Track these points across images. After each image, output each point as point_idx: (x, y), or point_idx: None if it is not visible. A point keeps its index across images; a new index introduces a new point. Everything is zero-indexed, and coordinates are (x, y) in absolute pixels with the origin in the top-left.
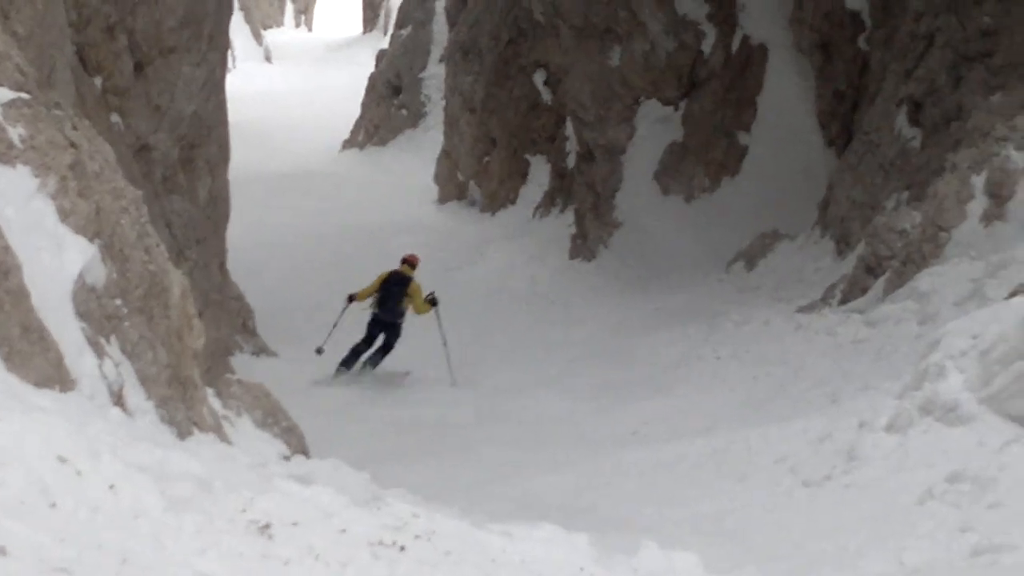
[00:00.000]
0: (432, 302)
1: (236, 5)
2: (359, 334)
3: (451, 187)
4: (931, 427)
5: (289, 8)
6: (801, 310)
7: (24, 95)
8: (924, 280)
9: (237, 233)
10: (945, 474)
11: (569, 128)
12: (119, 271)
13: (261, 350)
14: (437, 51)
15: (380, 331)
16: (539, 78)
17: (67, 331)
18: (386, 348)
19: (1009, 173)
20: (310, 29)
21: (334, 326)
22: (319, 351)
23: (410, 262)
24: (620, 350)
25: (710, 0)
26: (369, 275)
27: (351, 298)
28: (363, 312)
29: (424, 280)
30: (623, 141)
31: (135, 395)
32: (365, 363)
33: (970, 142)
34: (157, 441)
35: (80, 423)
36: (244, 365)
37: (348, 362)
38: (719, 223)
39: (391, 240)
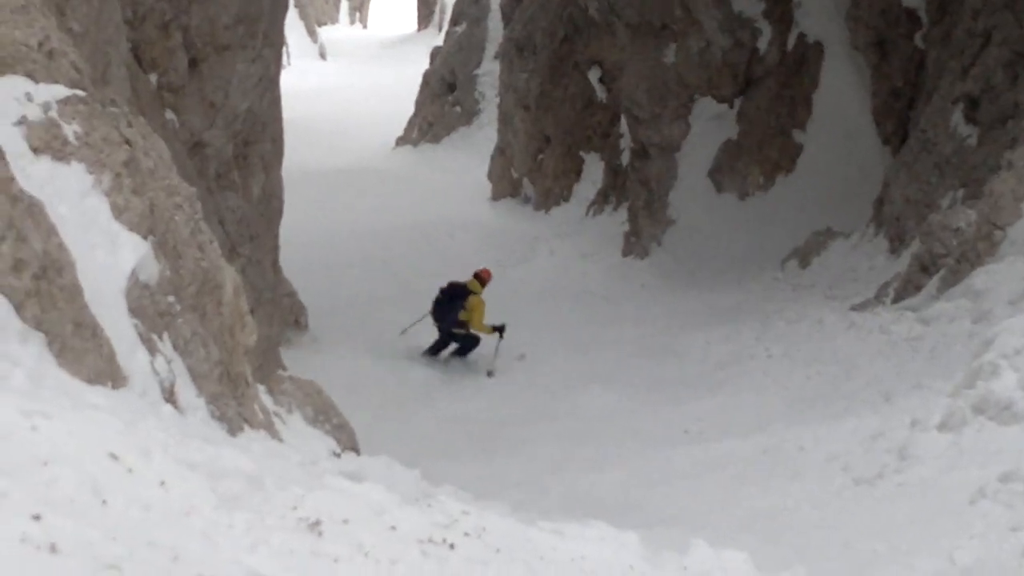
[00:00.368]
0: (498, 329)
1: (291, 2)
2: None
3: (505, 184)
4: (984, 426)
5: (344, 5)
6: (855, 308)
7: (79, 92)
8: (979, 278)
9: (290, 230)
10: (998, 473)
11: (623, 125)
12: (172, 268)
13: (313, 346)
14: (492, 48)
15: (447, 336)
16: (594, 75)
17: (120, 328)
18: (461, 351)
19: None
20: (365, 26)
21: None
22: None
23: (481, 277)
24: (672, 348)
25: None
26: (422, 272)
27: (497, 329)
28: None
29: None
30: (677, 139)
31: (187, 392)
32: (449, 356)
33: None
34: (208, 438)
35: (131, 420)
36: (296, 361)
37: (433, 351)
38: (773, 221)
39: (444, 237)
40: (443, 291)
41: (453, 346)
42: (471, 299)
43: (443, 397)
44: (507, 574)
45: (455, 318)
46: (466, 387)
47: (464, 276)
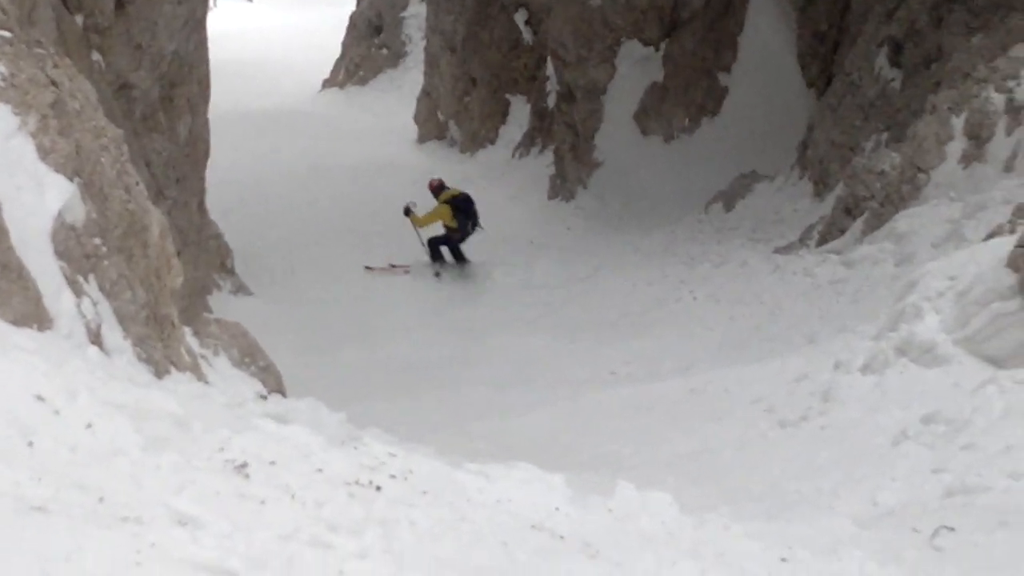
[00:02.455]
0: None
1: None
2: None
3: (431, 127)
4: (907, 368)
5: None
6: (779, 251)
7: (4, 33)
8: (902, 221)
9: (217, 172)
10: (920, 415)
11: (550, 68)
12: (98, 210)
13: (239, 289)
14: None
15: (460, 241)
16: (520, 17)
17: (46, 270)
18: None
19: (989, 114)
20: None
21: (422, 243)
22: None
23: (439, 183)
24: (598, 290)
25: None
26: (348, 214)
27: (408, 211)
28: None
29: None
30: (604, 81)
31: (113, 334)
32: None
33: (950, 83)
34: (135, 380)
35: (58, 362)
36: (222, 304)
37: (438, 258)
38: (698, 164)
39: (370, 179)
40: (463, 207)
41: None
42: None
43: (368, 340)
44: (433, 516)
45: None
46: (390, 330)
47: (392, 217)
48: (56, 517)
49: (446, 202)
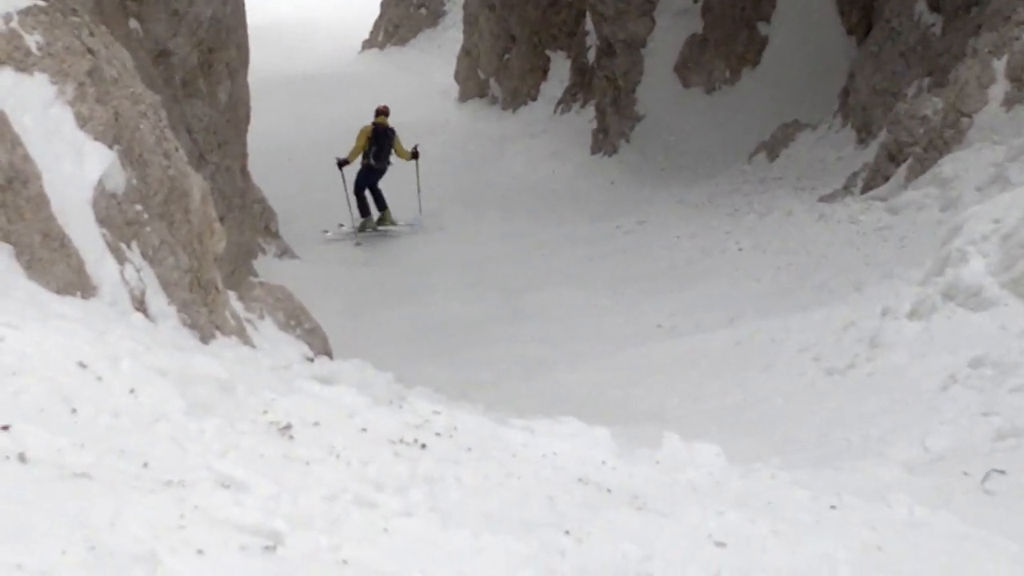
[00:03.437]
0: (415, 155)
1: None
2: None
3: (472, 85)
4: (954, 313)
5: None
6: (823, 199)
7: (40, 2)
8: (946, 166)
9: (259, 136)
10: (968, 359)
11: (589, 23)
12: (139, 177)
13: (284, 252)
14: None
15: (376, 179)
16: None
17: (88, 238)
18: (378, 199)
19: None
20: None
21: (348, 197)
22: (351, 227)
23: (385, 112)
24: (642, 244)
25: None
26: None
27: (344, 162)
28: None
29: (449, 178)
30: (643, 34)
31: (157, 300)
32: (381, 218)
33: (991, 26)
34: (179, 345)
35: (101, 329)
36: (267, 268)
37: (365, 211)
38: (740, 115)
39: (412, 140)
40: (379, 136)
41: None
42: (396, 135)
43: (413, 300)
44: (479, 472)
45: (388, 155)
46: (436, 290)
47: (434, 177)
48: (99, 483)
49: (369, 126)
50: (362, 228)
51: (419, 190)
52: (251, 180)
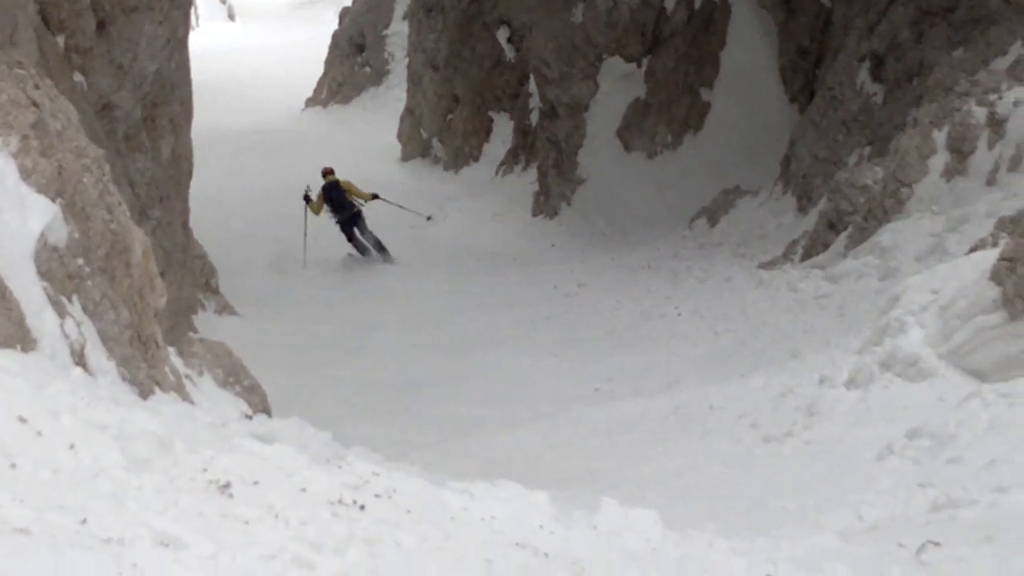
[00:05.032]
0: (375, 196)
1: None
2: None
3: (414, 144)
4: (891, 382)
5: None
6: (763, 266)
7: None
8: (885, 235)
9: (200, 192)
10: (905, 430)
11: (532, 85)
12: (81, 230)
13: (224, 309)
14: (401, 8)
15: (352, 225)
16: (502, 35)
17: (29, 290)
18: (364, 231)
19: (971, 128)
20: None
21: (305, 235)
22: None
23: (330, 171)
24: (582, 307)
25: None
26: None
27: (307, 198)
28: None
29: (390, 238)
30: (586, 98)
31: (97, 354)
32: (370, 251)
33: (932, 97)
34: (118, 400)
35: (41, 383)
36: (207, 324)
37: (364, 252)
38: (682, 179)
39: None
40: (330, 193)
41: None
42: (343, 183)
43: (352, 359)
44: (417, 535)
45: (348, 204)
46: (374, 349)
47: (384, 239)
48: (38, 539)
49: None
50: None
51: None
52: (192, 235)
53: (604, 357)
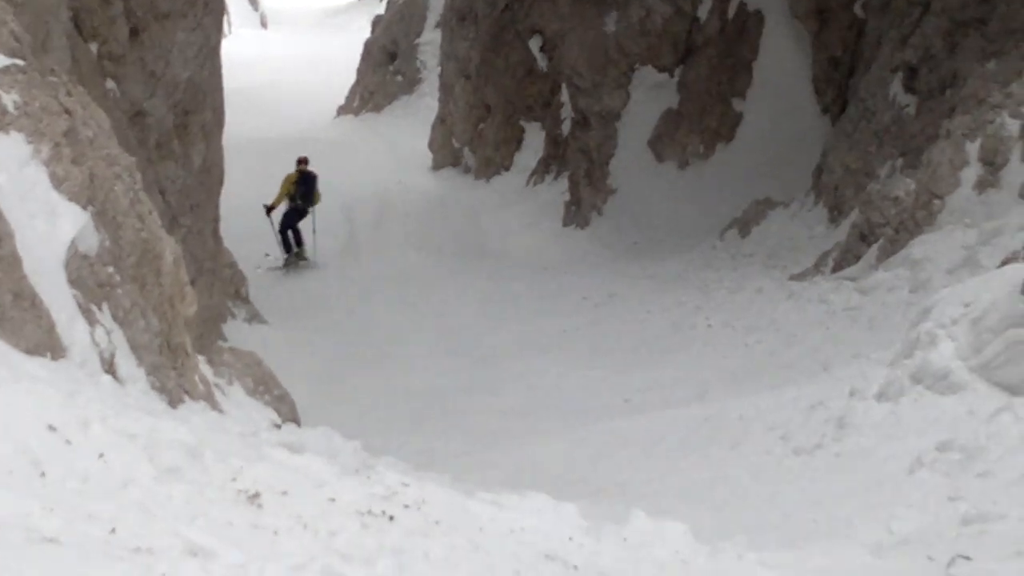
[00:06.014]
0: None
1: None
2: None
3: (446, 153)
4: (922, 395)
5: None
6: (794, 278)
7: (19, 61)
8: (917, 247)
9: (231, 200)
10: (935, 443)
11: (564, 94)
12: (112, 238)
13: (253, 317)
14: (433, 17)
15: (298, 219)
16: (535, 44)
17: (59, 298)
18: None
19: (1003, 140)
20: None
21: (277, 236)
22: (268, 255)
23: (305, 161)
24: (612, 317)
25: None
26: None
27: (270, 209)
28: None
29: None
30: (618, 108)
31: (126, 363)
32: (298, 252)
33: (965, 109)
34: (148, 409)
35: (71, 391)
36: (236, 332)
37: (289, 248)
38: (713, 190)
39: (385, 206)
40: (305, 182)
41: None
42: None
43: (382, 368)
44: (446, 546)
45: (312, 198)
46: (404, 358)
47: (409, 246)
48: (67, 548)
49: (295, 173)
50: (286, 264)
51: (314, 231)
52: (222, 243)
53: (634, 368)
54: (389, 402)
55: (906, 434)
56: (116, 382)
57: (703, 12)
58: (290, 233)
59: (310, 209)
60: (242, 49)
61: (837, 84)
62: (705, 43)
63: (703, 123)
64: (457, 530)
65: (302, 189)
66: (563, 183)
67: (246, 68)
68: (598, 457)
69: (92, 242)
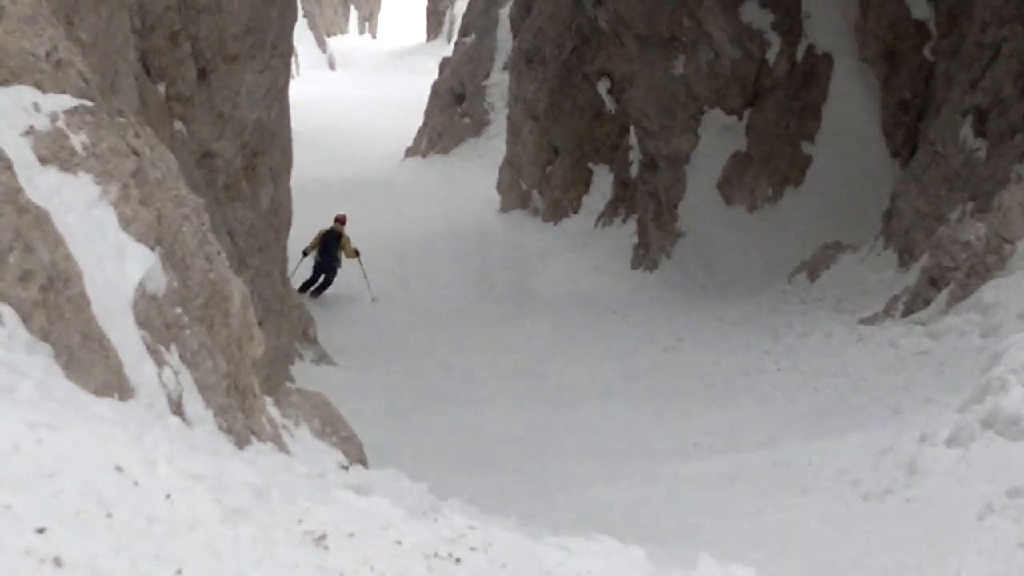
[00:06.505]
0: (357, 253)
1: (300, 12)
2: None
3: (514, 196)
4: (993, 441)
5: (353, 15)
6: (863, 322)
7: (87, 102)
8: (988, 292)
9: (299, 241)
10: (1006, 489)
11: (632, 137)
12: (180, 279)
13: (321, 358)
14: (501, 59)
15: (322, 273)
16: (603, 86)
17: (127, 339)
18: (326, 284)
19: None
20: (374, 36)
21: (292, 272)
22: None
23: (341, 220)
24: (681, 361)
25: (775, 9)
26: (431, 283)
27: (305, 253)
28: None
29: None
30: (686, 150)
31: (194, 404)
32: (312, 293)
33: None
34: (215, 450)
35: (138, 432)
36: (304, 373)
37: (304, 289)
38: (782, 233)
39: (453, 249)
40: (325, 238)
41: (315, 287)
42: (344, 238)
43: (450, 410)
44: None
45: (333, 254)
46: (472, 400)
47: (476, 288)
48: None
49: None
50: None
51: (365, 276)
52: (290, 285)
53: (702, 412)
54: (456, 443)
55: (976, 480)
56: (183, 423)
57: (771, 55)
58: (320, 282)
59: (336, 267)
60: (310, 91)
61: (906, 127)
62: (773, 86)
63: (771, 166)
64: (523, 574)
65: (322, 245)
66: (631, 226)
67: (314, 110)
68: (665, 501)
69: (160, 283)
